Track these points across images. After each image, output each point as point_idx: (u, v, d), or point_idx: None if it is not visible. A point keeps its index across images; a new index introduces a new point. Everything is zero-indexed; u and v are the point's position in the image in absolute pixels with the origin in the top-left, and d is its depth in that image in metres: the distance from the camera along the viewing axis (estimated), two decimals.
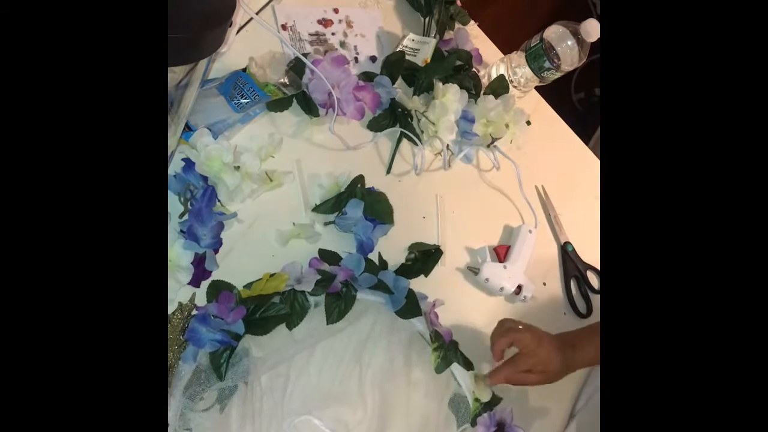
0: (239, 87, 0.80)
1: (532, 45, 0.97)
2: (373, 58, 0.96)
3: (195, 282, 0.72)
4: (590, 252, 1.03)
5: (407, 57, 0.97)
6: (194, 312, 0.69)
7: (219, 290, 0.71)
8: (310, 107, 0.85)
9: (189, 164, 0.74)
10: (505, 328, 0.81)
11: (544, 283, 0.99)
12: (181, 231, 0.72)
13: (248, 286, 0.73)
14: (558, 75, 0.97)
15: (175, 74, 0.67)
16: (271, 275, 0.73)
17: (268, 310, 0.71)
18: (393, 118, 0.93)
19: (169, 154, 0.73)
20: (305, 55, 0.86)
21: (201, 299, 0.72)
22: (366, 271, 0.78)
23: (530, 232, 0.95)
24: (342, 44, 0.95)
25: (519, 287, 0.92)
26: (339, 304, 0.75)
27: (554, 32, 0.94)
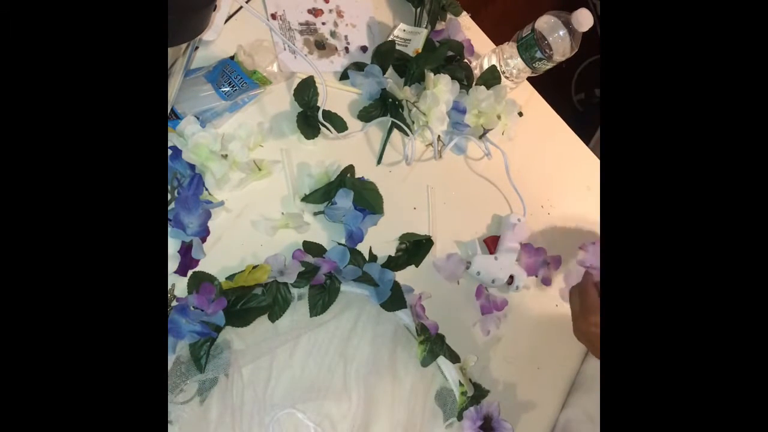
0: (227, 75, 0.75)
1: (523, 35, 0.90)
2: (363, 48, 0.90)
3: (182, 270, 0.67)
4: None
5: (398, 47, 0.91)
6: (174, 303, 0.63)
7: (200, 281, 0.65)
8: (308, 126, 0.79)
9: (176, 152, 0.69)
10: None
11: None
12: (168, 219, 0.67)
13: (230, 278, 0.67)
14: (550, 65, 0.91)
15: None
16: (254, 267, 0.67)
17: (249, 301, 0.66)
18: (384, 108, 0.87)
19: None
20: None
21: (181, 291, 0.67)
22: (351, 263, 0.73)
23: (519, 220, 0.89)
24: (332, 34, 0.88)
25: (511, 277, 0.87)
26: (323, 296, 0.70)
27: (546, 22, 0.88)
